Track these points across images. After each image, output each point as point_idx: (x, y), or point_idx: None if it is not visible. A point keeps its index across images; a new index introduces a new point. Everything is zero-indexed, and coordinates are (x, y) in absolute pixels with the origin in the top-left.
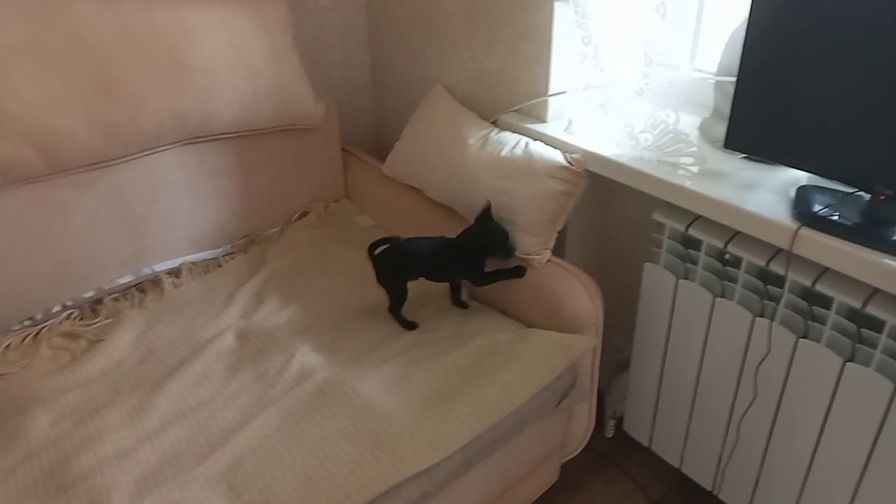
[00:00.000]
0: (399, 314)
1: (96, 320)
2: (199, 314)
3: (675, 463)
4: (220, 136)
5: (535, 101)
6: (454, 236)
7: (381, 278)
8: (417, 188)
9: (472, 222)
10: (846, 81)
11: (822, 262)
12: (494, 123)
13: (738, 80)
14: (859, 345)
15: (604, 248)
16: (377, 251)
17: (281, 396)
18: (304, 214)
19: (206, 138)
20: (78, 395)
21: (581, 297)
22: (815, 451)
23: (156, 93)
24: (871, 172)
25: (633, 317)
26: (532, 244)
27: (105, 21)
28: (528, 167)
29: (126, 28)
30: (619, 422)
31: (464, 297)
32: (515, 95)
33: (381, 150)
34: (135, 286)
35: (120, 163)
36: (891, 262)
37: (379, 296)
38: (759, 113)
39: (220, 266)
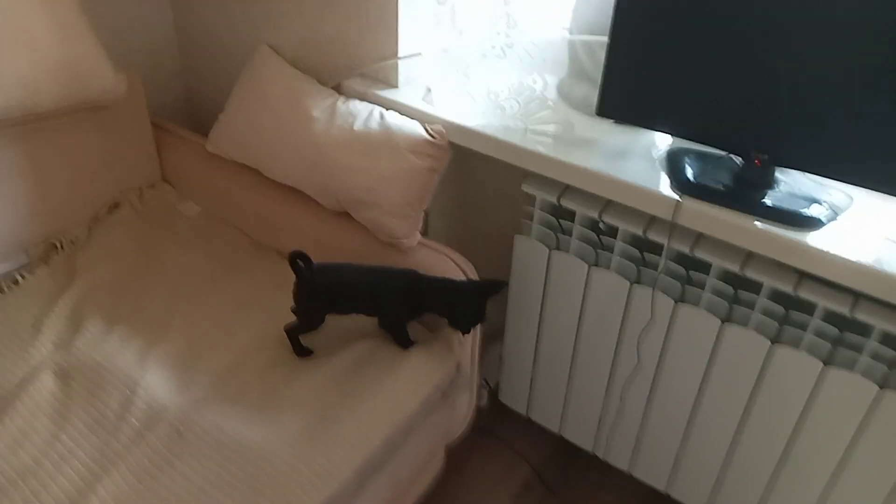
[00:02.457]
0: (296, 339)
1: None
2: None
3: (554, 429)
4: None
5: (382, 63)
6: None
7: (302, 299)
8: (253, 167)
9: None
10: (721, 47)
11: (702, 230)
12: (337, 90)
13: (609, 46)
14: (736, 305)
15: (467, 221)
16: (307, 269)
17: (129, 447)
18: (116, 207)
19: None
20: None
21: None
22: (693, 409)
23: None
24: (747, 138)
25: None
26: (399, 227)
27: None
28: (387, 142)
29: None
30: (493, 391)
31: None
32: (357, 58)
33: (196, 122)
34: None
35: None
36: (767, 227)
37: (229, 296)
38: (633, 80)
39: (16, 283)
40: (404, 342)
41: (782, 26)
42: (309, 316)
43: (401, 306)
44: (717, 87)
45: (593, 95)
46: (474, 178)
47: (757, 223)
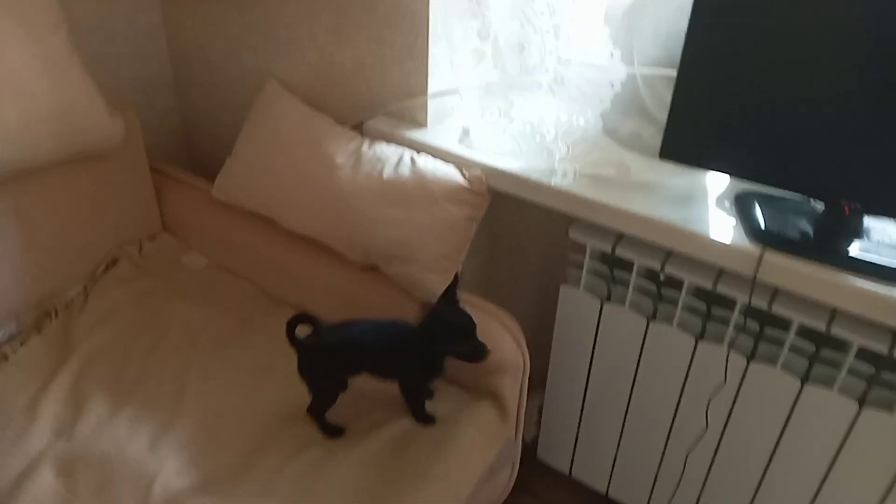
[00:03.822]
0: (322, 417)
1: None
2: None
3: (601, 489)
4: None
5: (411, 101)
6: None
7: (306, 372)
8: (267, 216)
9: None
10: (806, 84)
11: (785, 285)
12: (357, 130)
13: (677, 82)
14: (818, 365)
15: (496, 268)
16: (305, 339)
17: None
18: (114, 263)
19: None
20: None
21: (506, 342)
22: (763, 474)
23: None
24: (836, 184)
25: (535, 335)
26: (437, 283)
27: None
28: (421, 190)
29: None
30: (527, 446)
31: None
32: (381, 95)
33: (195, 162)
34: None
35: None
36: (860, 282)
37: (245, 360)
38: (704, 119)
39: (6, 359)
40: (420, 412)
41: (875, 61)
42: (321, 386)
43: (415, 356)
44: (804, 127)
45: (644, 132)
46: (503, 222)
47: (849, 278)
